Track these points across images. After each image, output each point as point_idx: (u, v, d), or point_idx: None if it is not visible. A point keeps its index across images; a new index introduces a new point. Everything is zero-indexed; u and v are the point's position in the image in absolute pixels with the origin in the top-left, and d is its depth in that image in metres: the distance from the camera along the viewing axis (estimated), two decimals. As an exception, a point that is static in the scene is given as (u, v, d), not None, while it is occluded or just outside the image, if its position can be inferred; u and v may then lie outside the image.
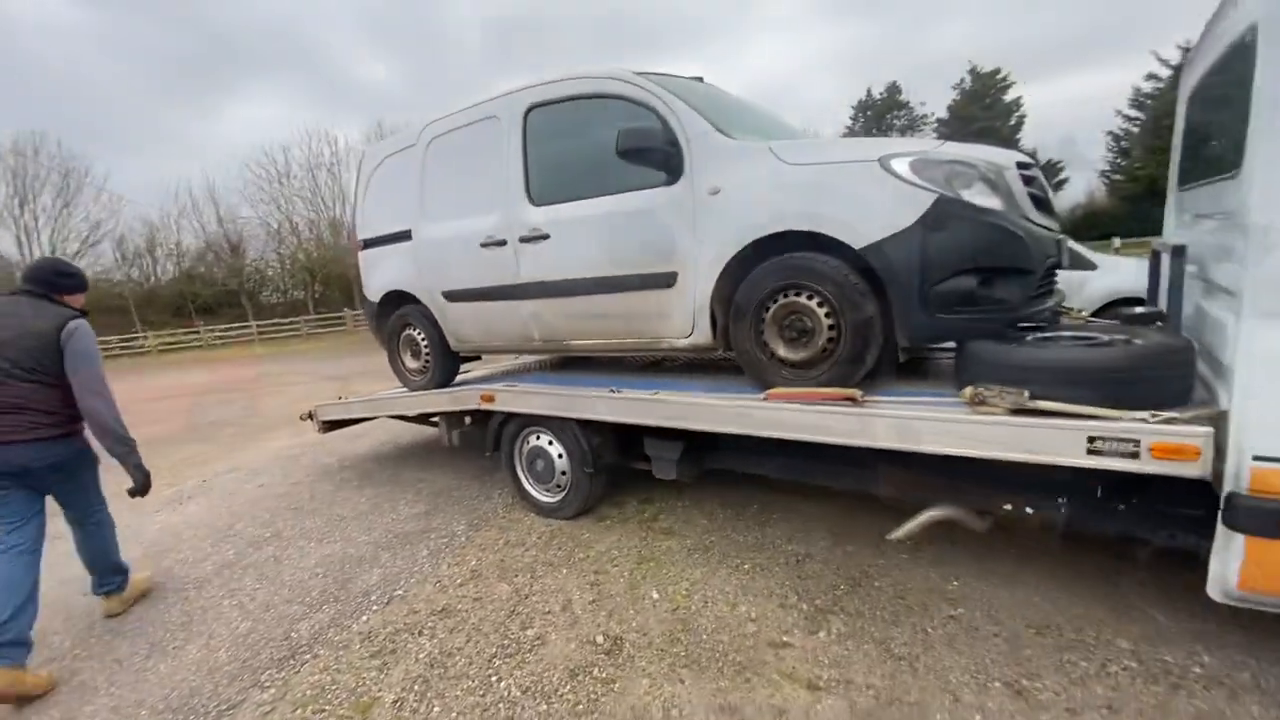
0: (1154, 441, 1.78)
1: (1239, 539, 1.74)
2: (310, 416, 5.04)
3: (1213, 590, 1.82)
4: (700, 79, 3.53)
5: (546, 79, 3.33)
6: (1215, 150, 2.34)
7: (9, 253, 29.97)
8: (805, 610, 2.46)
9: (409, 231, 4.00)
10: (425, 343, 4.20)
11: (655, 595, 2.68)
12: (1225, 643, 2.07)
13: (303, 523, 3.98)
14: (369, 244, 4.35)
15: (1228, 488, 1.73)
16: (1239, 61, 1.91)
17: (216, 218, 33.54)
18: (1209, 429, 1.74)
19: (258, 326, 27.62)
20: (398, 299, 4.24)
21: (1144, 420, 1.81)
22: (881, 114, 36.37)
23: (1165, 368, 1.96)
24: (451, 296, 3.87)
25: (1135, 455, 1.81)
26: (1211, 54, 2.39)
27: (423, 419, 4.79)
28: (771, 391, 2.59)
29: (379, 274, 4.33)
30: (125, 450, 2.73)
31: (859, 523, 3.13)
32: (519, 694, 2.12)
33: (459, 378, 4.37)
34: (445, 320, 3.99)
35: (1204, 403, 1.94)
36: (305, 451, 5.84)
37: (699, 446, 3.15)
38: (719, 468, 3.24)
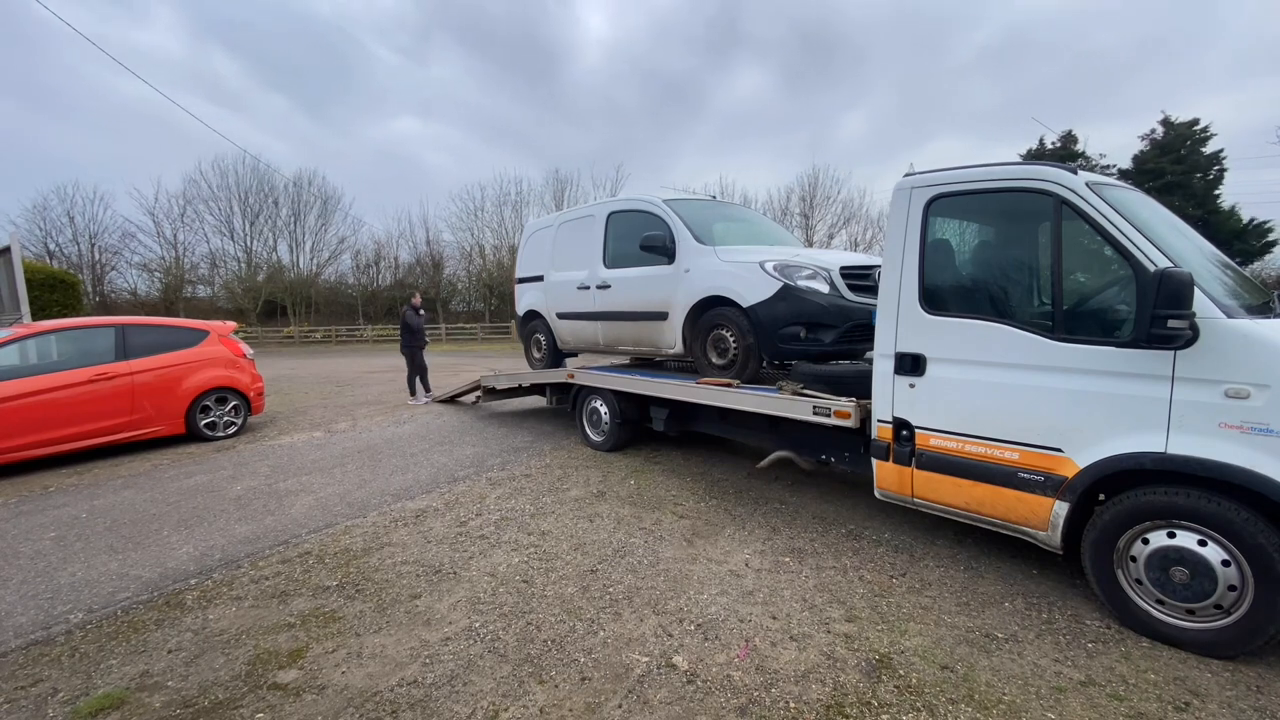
0: (835, 409, 3.72)
1: (874, 462, 3.61)
2: (478, 386, 8.03)
3: (876, 493, 3.68)
4: (714, 197, 5.84)
5: (619, 197, 5.86)
6: None
7: (283, 257, 40.21)
8: (701, 495, 4.60)
9: (543, 275, 6.76)
10: (545, 342, 6.91)
11: (632, 483, 4.96)
12: (899, 526, 3.87)
13: (465, 437, 6.86)
14: (521, 280, 7.22)
15: (870, 436, 3.61)
16: None
17: (426, 239, 41.70)
18: (856, 404, 3.64)
19: (446, 329, 33.96)
20: (532, 315, 7.02)
21: (833, 398, 3.76)
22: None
23: (866, 380, 3.85)
24: (561, 316, 6.53)
25: (829, 415, 3.75)
26: None
27: (536, 389, 7.48)
28: (701, 379, 4.78)
29: (524, 299, 7.16)
30: None
31: (741, 469, 5.12)
32: (555, 504, 4.55)
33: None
34: (557, 330, 6.65)
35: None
36: (472, 406, 8.92)
37: (678, 413, 5.37)
38: (690, 430, 5.42)
